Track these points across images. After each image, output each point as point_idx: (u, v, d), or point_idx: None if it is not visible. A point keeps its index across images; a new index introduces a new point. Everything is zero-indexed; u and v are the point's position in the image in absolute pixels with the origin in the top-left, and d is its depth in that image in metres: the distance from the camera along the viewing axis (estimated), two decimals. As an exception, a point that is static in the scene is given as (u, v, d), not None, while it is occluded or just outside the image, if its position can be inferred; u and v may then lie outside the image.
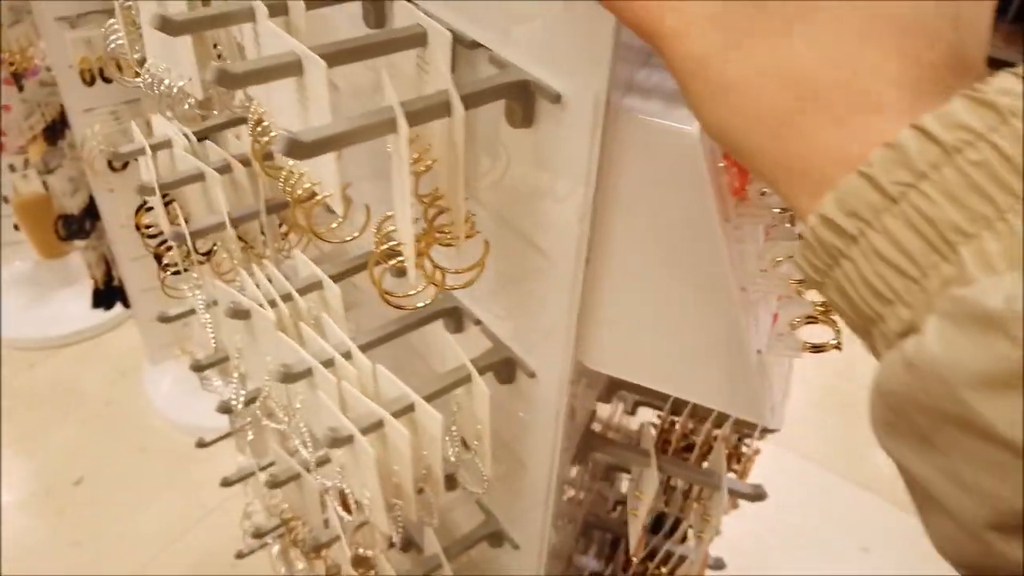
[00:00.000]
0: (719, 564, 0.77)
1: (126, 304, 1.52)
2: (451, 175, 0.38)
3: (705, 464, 0.64)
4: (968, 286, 0.20)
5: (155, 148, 0.63)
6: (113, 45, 0.56)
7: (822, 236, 0.23)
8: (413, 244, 0.38)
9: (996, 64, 0.23)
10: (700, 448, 0.64)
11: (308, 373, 0.48)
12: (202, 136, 0.65)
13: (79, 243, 1.54)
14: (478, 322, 0.53)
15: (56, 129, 1.46)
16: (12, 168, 1.64)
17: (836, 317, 0.44)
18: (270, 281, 0.53)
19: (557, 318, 0.45)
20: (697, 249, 0.39)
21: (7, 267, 1.98)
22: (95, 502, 1.59)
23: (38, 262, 1.91)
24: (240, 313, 0.52)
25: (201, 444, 0.84)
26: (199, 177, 0.62)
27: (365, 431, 0.44)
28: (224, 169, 0.62)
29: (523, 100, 0.38)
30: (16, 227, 1.70)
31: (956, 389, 0.20)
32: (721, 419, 0.63)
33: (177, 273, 0.67)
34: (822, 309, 0.46)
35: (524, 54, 0.38)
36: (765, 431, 0.65)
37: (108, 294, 1.54)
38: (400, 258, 0.39)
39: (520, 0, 0.37)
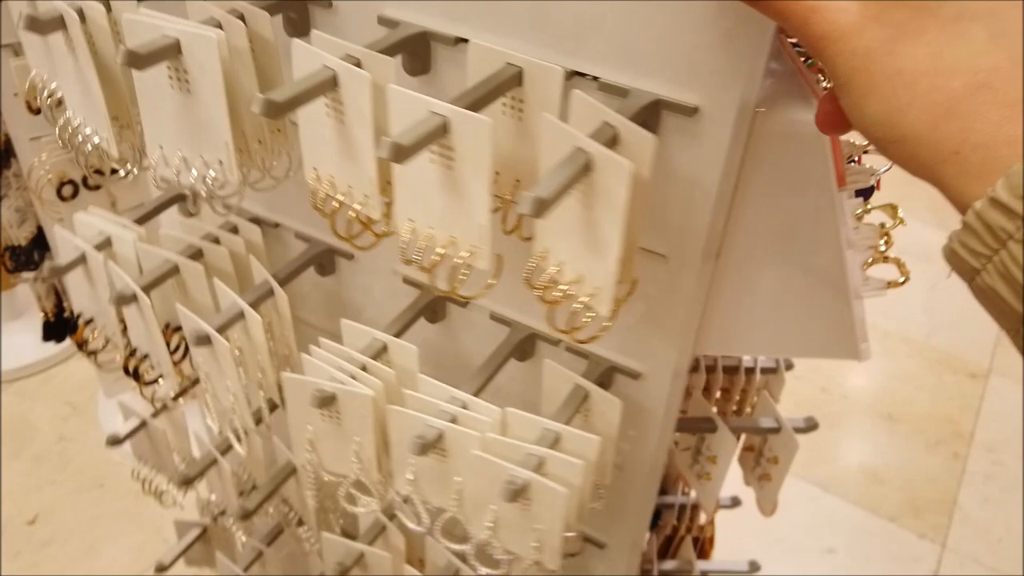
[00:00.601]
0: (736, 501, 0.81)
1: (79, 336, 1.48)
2: (631, 216, 0.37)
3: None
4: None
5: (100, 248, 0.61)
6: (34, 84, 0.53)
7: (989, 219, 0.24)
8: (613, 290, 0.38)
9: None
10: (739, 400, 0.69)
11: (439, 439, 0.47)
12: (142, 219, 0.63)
13: (28, 275, 1.49)
14: (557, 342, 0.54)
15: (1, 158, 1.42)
16: (-46, 199, 1.59)
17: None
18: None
19: (682, 317, 0.47)
20: (819, 224, 0.44)
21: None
22: (51, 542, 1.54)
23: (-17, 295, 1.85)
24: (326, 400, 0.48)
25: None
26: (172, 271, 0.60)
27: (541, 472, 0.44)
28: (196, 256, 0.61)
29: (648, 121, 0.40)
30: (-41, 260, 1.64)
31: None
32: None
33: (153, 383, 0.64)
34: (884, 250, 0.54)
35: (648, 76, 0.40)
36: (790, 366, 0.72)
37: (59, 326, 1.50)
38: (583, 303, 0.39)
39: (646, 26, 0.39)
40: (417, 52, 0.45)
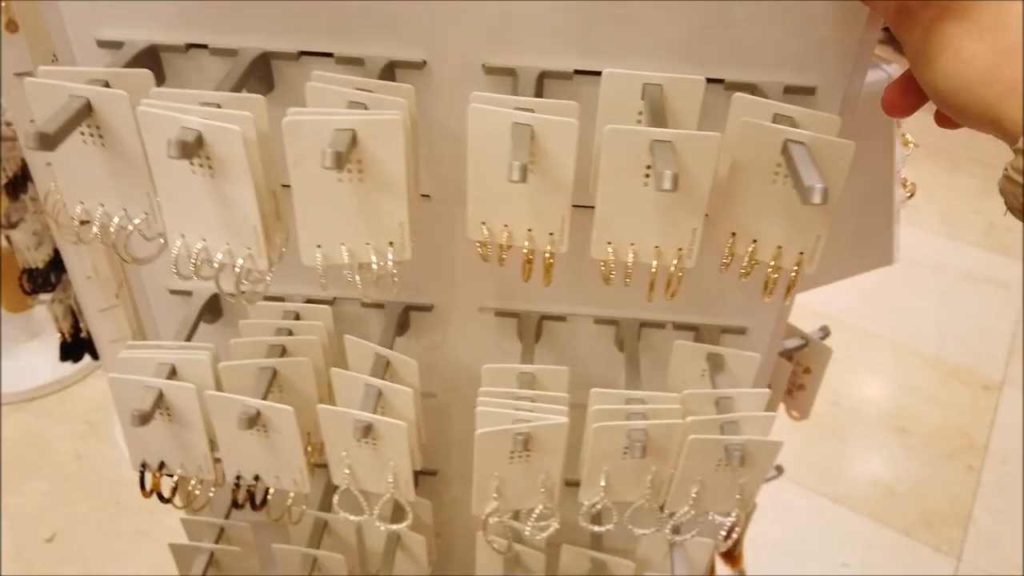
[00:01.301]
0: (779, 469, 0.84)
1: (95, 356, 1.50)
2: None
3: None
4: None
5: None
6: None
7: None
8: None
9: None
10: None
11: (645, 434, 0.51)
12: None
13: (44, 296, 1.52)
14: (663, 324, 0.60)
15: (18, 183, 1.45)
16: (-27, 223, 1.62)
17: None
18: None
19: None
20: (879, 157, 0.52)
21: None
22: (69, 560, 1.55)
23: (1, 317, 1.88)
24: (520, 440, 0.50)
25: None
26: (272, 377, 0.54)
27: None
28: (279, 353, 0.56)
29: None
30: (-21, 282, 1.67)
31: None
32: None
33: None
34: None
35: (770, 71, 0.47)
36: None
37: (76, 346, 1.52)
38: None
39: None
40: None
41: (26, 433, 1.82)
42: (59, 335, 1.52)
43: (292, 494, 0.57)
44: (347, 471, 0.54)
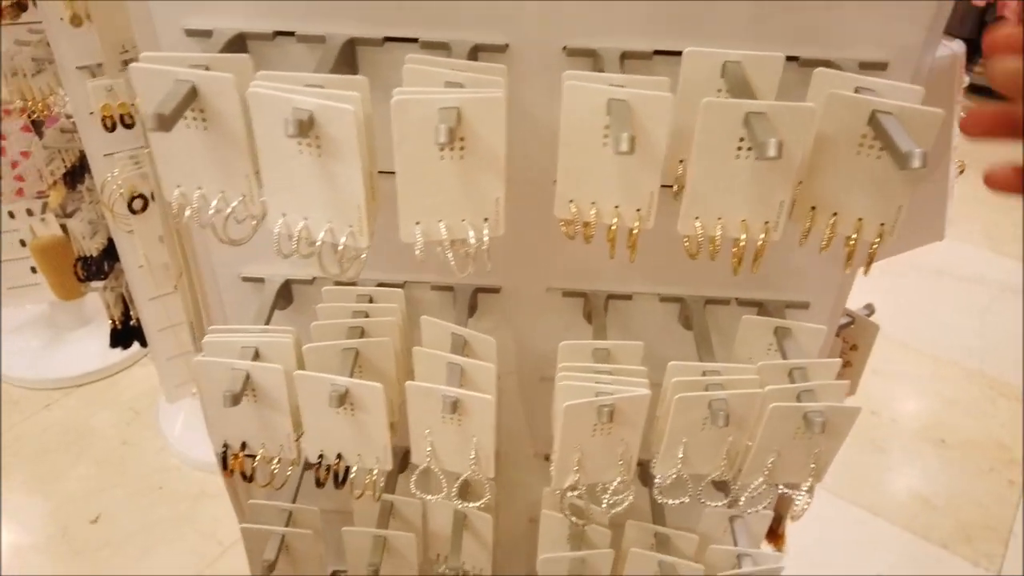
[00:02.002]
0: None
1: (143, 343, 1.54)
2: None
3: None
4: None
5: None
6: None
7: None
8: None
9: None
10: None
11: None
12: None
13: (97, 284, 1.56)
14: (728, 301, 0.62)
15: (76, 174, 1.49)
16: (30, 212, 1.67)
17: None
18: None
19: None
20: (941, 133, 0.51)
21: (23, 309, 2.00)
22: (112, 542, 1.59)
23: (53, 303, 1.94)
24: (606, 413, 0.52)
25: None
26: (355, 357, 0.55)
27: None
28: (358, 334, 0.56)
29: None
30: (33, 270, 1.73)
31: None
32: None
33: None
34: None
35: (844, 48, 0.49)
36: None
37: (126, 333, 1.56)
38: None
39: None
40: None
41: (74, 418, 1.87)
42: (110, 322, 1.56)
43: (375, 472, 0.58)
44: (429, 449, 0.55)
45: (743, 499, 0.56)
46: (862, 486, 1.74)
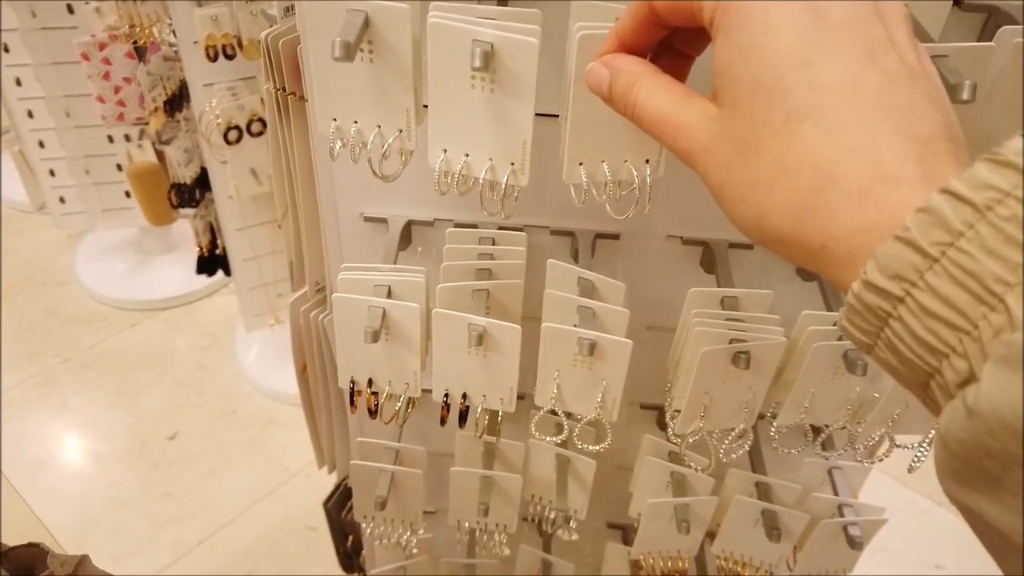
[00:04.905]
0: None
1: (227, 272, 1.60)
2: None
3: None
4: (1018, 331, 0.21)
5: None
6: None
7: (867, 300, 0.25)
8: None
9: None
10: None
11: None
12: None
13: (187, 211, 1.62)
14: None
15: (175, 102, 1.54)
16: (128, 138, 1.74)
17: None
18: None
19: None
20: None
21: (113, 232, 2.09)
22: (185, 459, 1.67)
23: (143, 228, 2.02)
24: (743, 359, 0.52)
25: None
26: (484, 297, 0.55)
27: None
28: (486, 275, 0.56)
29: None
30: (127, 194, 1.79)
31: (1020, 430, 0.21)
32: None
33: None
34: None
35: None
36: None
37: (211, 261, 1.62)
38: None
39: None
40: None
41: (156, 340, 1.95)
42: (197, 249, 1.62)
43: (499, 412, 0.57)
44: (555, 391, 0.55)
45: (861, 448, 0.56)
46: (927, 474, 1.70)
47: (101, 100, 1.56)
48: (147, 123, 1.60)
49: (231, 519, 1.56)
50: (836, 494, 0.66)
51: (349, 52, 0.38)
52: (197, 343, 1.94)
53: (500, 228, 0.60)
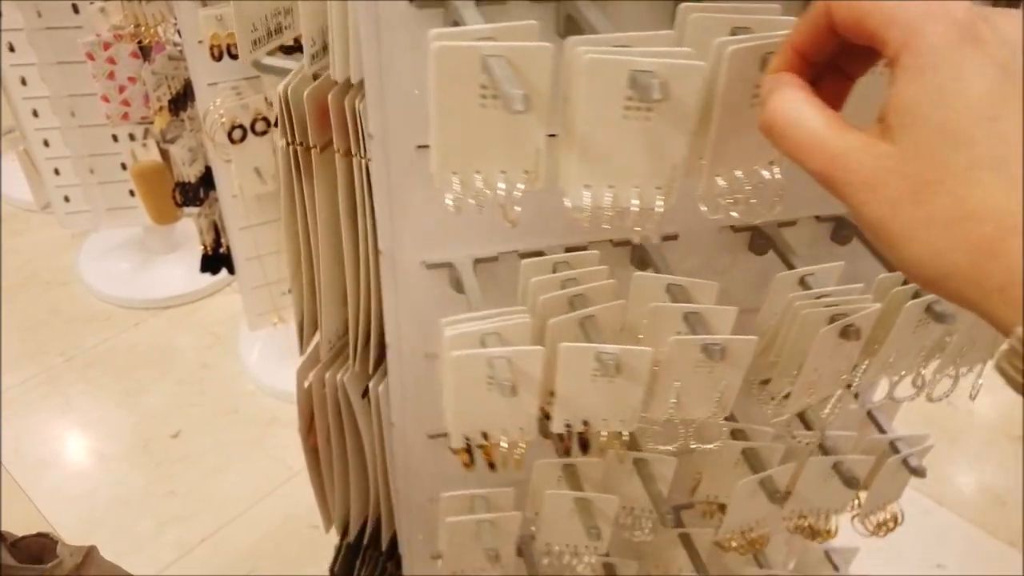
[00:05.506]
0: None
1: (231, 271, 1.60)
2: None
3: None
4: None
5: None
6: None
7: None
8: None
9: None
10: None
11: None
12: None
13: (191, 210, 1.62)
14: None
15: (179, 101, 1.55)
16: (132, 137, 1.74)
17: None
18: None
19: None
20: None
21: (117, 232, 2.09)
22: (188, 457, 1.68)
23: (146, 228, 2.02)
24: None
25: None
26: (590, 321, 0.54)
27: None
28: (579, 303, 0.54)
29: None
30: (131, 193, 1.80)
31: None
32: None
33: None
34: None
35: None
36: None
37: (215, 260, 1.62)
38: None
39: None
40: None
41: (160, 339, 1.95)
42: (201, 248, 1.62)
43: (621, 434, 0.57)
44: (674, 401, 0.55)
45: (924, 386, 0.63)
46: (930, 476, 1.70)
47: (106, 99, 1.57)
48: (151, 122, 1.60)
49: (233, 518, 1.56)
50: (883, 432, 0.73)
51: (529, 102, 0.37)
52: (200, 342, 1.94)
53: (568, 250, 0.58)
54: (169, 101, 1.53)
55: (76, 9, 1.58)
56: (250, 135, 1.42)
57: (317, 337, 0.75)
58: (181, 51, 1.47)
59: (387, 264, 0.60)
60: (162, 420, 1.75)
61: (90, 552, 0.54)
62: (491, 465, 0.56)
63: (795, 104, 0.33)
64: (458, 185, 0.43)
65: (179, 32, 1.40)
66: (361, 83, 0.53)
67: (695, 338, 0.52)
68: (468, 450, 0.55)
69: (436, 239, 0.59)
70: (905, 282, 0.57)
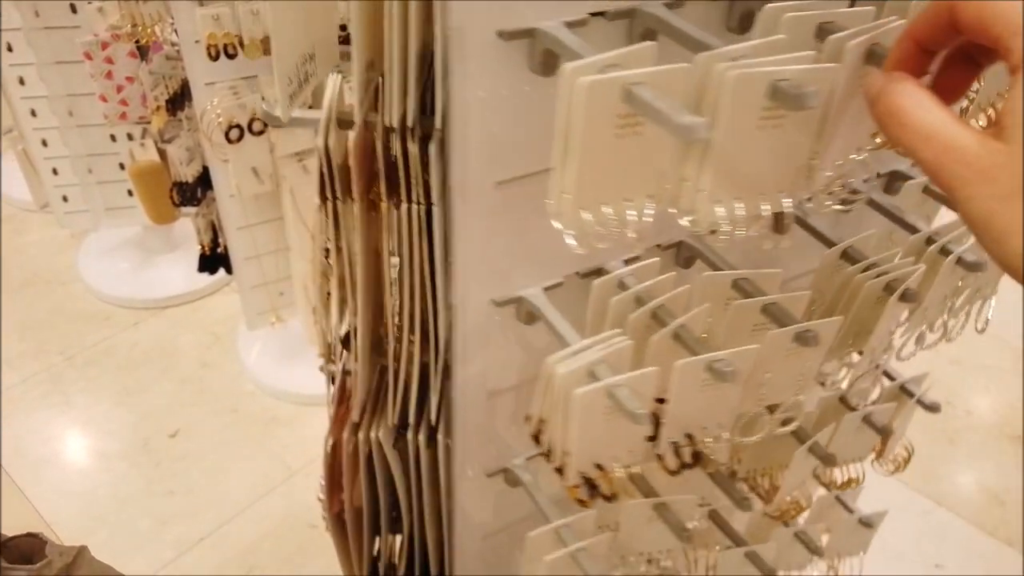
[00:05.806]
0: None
1: (229, 270, 1.60)
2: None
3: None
4: None
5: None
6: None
7: None
8: None
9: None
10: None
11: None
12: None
13: (189, 210, 1.63)
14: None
15: (177, 101, 1.55)
16: (130, 137, 1.74)
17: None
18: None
19: None
20: None
21: (116, 231, 2.10)
22: (188, 456, 1.68)
23: (145, 227, 2.02)
24: None
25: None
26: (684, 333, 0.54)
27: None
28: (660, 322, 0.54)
29: None
30: (130, 193, 1.80)
31: None
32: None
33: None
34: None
35: None
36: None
37: (213, 260, 1.63)
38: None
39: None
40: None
41: (159, 338, 1.96)
42: (199, 248, 1.62)
43: (725, 439, 0.57)
44: (763, 391, 0.57)
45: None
46: (929, 475, 1.70)
47: (104, 99, 1.57)
48: (149, 122, 1.61)
49: (233, 516, 1.57)
50: (893, 380, 0.79)
51: (704, 128, 0.36)
52: (200, 341, 1.95)
53: (627, 262, 0.58)
54: (166, 101, 1.53)
55: (74, 9, 1.58)
56: (247, 135, 1.42)
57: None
58: (178, 51, 1.47)
59: (460, 310, 0.57)
60: (162, 419, 1.76)
61: (80, 552, 0.54)
62: (607, 496, 0.55)
63: (916, 97, 0.35)
64: (590, 218, 0.41)
65: (176, 32, 1.41)
66: (404, 125, 0.50)
67: (787, 329, 0.53)
68: (585, 484, 0.54)
69: (502, 275, 0.57)
70: (929, 240, 0.61)
